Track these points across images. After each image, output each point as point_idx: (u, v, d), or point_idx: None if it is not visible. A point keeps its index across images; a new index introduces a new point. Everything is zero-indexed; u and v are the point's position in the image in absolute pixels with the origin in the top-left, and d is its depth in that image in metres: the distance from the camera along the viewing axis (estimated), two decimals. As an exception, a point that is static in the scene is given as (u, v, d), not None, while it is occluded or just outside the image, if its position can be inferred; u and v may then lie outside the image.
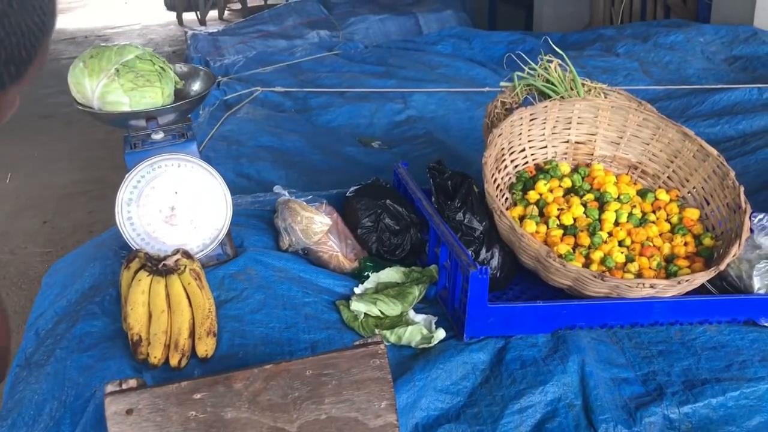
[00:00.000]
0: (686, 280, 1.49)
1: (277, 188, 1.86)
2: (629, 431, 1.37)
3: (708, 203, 1.74)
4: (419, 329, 1.50)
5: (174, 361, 1.37)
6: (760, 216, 1.69)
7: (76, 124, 5.45)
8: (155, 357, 1.36)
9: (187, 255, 1.48)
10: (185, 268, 1.44)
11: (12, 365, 1.57)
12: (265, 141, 2.87)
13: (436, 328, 1.52)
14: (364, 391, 1.15)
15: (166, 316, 1.41)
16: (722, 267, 1.52)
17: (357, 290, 1.64)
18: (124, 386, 1.10)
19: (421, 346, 1.50)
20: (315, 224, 1.67)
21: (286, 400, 1.13)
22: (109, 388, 1.10)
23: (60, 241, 3.79)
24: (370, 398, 1.15)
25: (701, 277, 1.52)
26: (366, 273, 1.69)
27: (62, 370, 1.39)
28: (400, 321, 1.54)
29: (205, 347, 1.39)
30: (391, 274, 1.68)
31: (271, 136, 2.92)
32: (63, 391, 1.35)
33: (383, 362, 1.16)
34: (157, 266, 1.44)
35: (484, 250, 1.63)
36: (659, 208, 1.76)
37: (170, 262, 1.44)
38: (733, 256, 1.53)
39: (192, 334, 1.40)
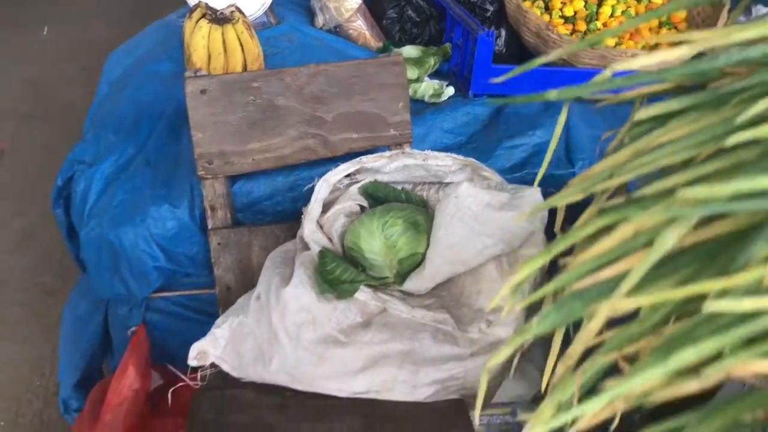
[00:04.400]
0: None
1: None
2: (600, 167, 1.66)
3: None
4: (432, 86, 1.78)
5: (230, 89, 1.65)
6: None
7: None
8: (215, 84, 1.64)
9: (239, 10, 1.74)
10: (239, 19, 1.71)
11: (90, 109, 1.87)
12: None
13: (447, 86, 1.79)
14: (385, 93, 1.43)
15: (222, 57, 1.69)
16: (696, 46, 1.76)
17: (381, 60, 1.90)
18: (198, 74, 1.39)
19: (432, 101, 1.77)
20: (347, 2, 1.92)
21: (324, 94, 1.41)
22: (188, 73, 1.39)
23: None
24: (391, 99, 1.44)
25: (677, 53, 1.76)
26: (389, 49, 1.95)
27: (137, 94, 1.69)
28: (416, 81, 1.82)
29: (255, 81, 1.67)
30: (410, 50, 1.93)
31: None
32: (139, 107, 1.65)
33: (402, 71, 1.44)
34: (216, 15, 1.70)
35: (493, 28, 1.88)
36: (652, 9, 1.98)
37: (227, 12, 1.71)
38: (707, 37, 1.76)
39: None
